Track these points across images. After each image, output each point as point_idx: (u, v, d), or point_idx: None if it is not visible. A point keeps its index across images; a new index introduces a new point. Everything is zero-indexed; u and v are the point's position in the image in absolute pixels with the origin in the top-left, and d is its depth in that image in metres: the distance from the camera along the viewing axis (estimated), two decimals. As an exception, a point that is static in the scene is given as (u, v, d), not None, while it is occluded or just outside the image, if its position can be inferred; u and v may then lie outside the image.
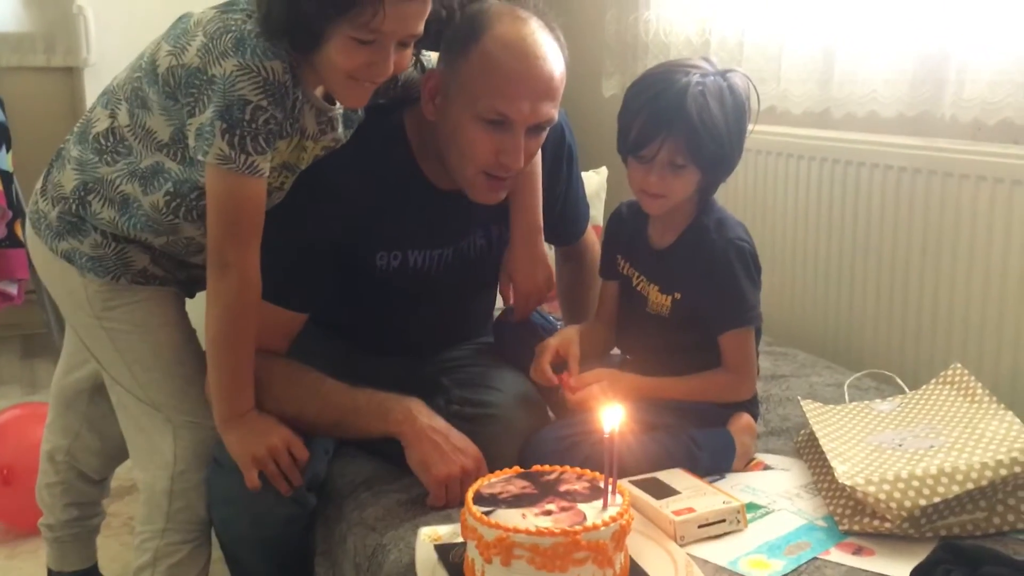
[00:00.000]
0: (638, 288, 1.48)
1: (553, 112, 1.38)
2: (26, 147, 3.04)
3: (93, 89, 2.91)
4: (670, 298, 1.43)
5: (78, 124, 1.46)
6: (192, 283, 1.52)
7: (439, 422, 1.36)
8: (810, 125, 2.17)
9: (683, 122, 1.32)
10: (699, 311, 1.40)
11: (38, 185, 1.50)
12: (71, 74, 3.26)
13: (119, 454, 1.64)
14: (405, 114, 1.47)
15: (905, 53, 1.90)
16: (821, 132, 2.11)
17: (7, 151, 2.78)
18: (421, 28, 1.28)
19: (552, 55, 1.36)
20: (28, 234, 1.50)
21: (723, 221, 1.42)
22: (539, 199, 1.52)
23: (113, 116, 1.38)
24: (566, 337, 1.48)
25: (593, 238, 1.78)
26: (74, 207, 1.41)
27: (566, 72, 1.40)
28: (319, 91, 1.36)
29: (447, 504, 1.32)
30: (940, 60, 1.82)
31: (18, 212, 2.77)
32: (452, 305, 1.59)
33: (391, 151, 1.44)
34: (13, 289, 2.79)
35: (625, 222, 1.51)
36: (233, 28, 1.26)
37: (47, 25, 3.25)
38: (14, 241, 2.73)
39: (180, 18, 1.35)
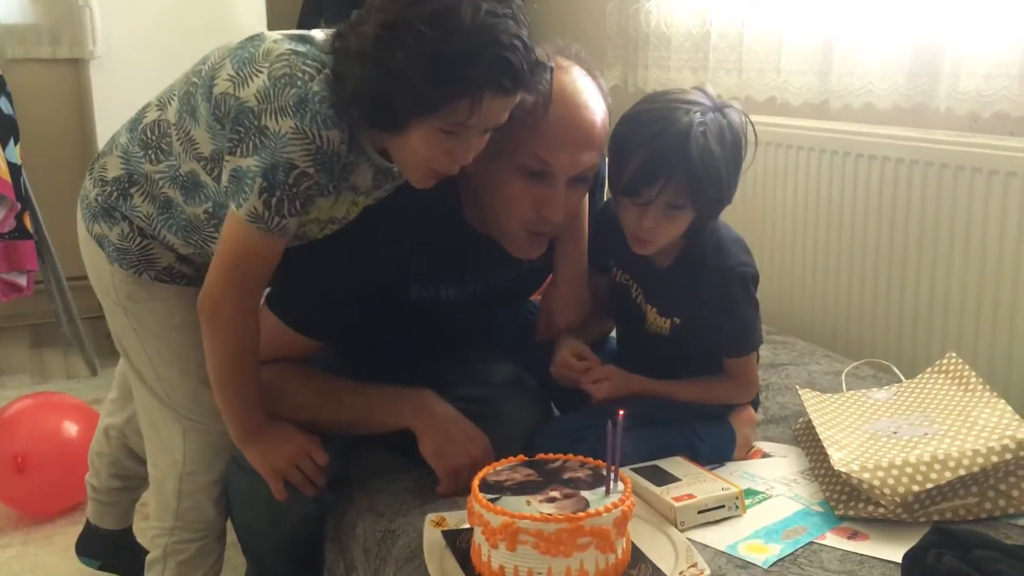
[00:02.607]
0: (636, 300, 1.45)
1: (595, 160, 1.33)
2: (32, 139, 3.06)
3: (99, 81, 2.94)
4: (669, 321, 1.41)
5: (138, 111, 1.43)
6: None
7: (449, 411, 1.38)
8: (809, 116, 2.19)
9: (685, 165, 1.25)
10: (699, 334, 1.39)
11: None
12: (77, 66, 3.28)
13: None
14: None
15: (901, 45, 1.92)
16: (820, 123, 2.13)
17: (15, 144, 2.80)
18: (506, 117, 1.23)
19: (594, 103, 1.31)
20: (78, 209, 1.49)
21: (721, 244, 1.37)
22: (585, 243, 1.48)
23: (162, 109, 1.35)
24: (572, 339, 1.47)
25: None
26: (113, 195, 1.39)
27: (607, 118, 1.34)
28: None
29: (456, 492, 1.35)
30: (935, 52, 1.83)
31: (27, 204, 2.79)
32: (475, 329, 1.58)
33: (435, 190, 1.34)
34: (22, 280, 2.82)
35: (617, 227, 1.40)
36: (299, 83, 1.19)
37: (53, 17, 3.26)
38: (23, 232, 2.76)
39: (252, 38, 1.28)
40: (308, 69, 1.21)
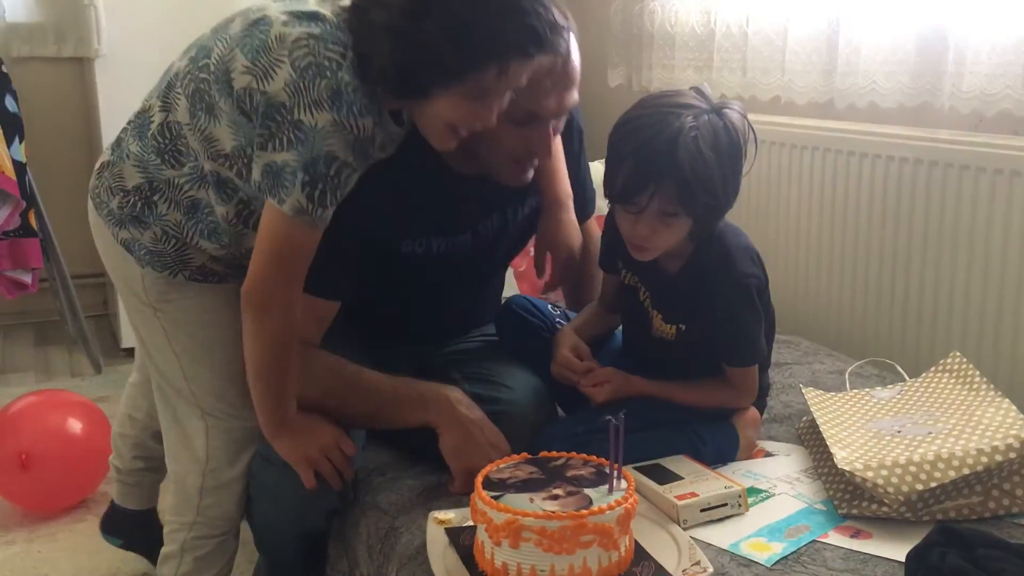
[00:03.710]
0: (644, 304, 1.45)
1: (575, 97, 1.38)
2: (38, 137, 3.07)
3: (104, 80, 2.94)
4: (674, 328, 1.41)
5: (135, 114, 1.41)
6: None
7: (477, 413, 1.38)
8: (814, 115, 2.19)
9: (674, 173, 1.23)
10: (703, 342, 1.39)
11: (96, 165, 1.46)
12: (82, 64, 3.29)
13: None
14: None
15: (905, 45, 1.92)
16: (824, 123, 2.13)
17: (20, 142, 2.81)
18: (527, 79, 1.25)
19: (567, 39, 1.34)
20: (89, 211, 1.47)
21: (728, 253, 1.35)
22: (565, 169, 1.55)
23: (168, 110, 1.33)
24: (574, 339, 1.48)
25: (595, 228, 1.80)
26: (138, 205, 1.37)
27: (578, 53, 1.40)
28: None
29: (468, 493, 1.35)
30: (939, 52, 1.83)
31: (31, 202, 2.80)
32: (471, 289, 1.62)
33: (411, 142, 1.41)
34: (27, 278, 2.82)
35: None
36: (328, 74, 1.19)
37: (58, 16, 3.27)
38: (28, 231, 2.76)
39: (256, 22, 1.26)
40: (333, 56, 1.20)
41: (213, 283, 1.44)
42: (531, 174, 1.45)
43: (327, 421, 1.37)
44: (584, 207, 1.71)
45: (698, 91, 1.31)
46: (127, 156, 1.38)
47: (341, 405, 1.40)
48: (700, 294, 1.36)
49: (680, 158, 1.23)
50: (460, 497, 1.33)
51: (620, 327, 1.58)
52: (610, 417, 1.13)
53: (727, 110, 1.29)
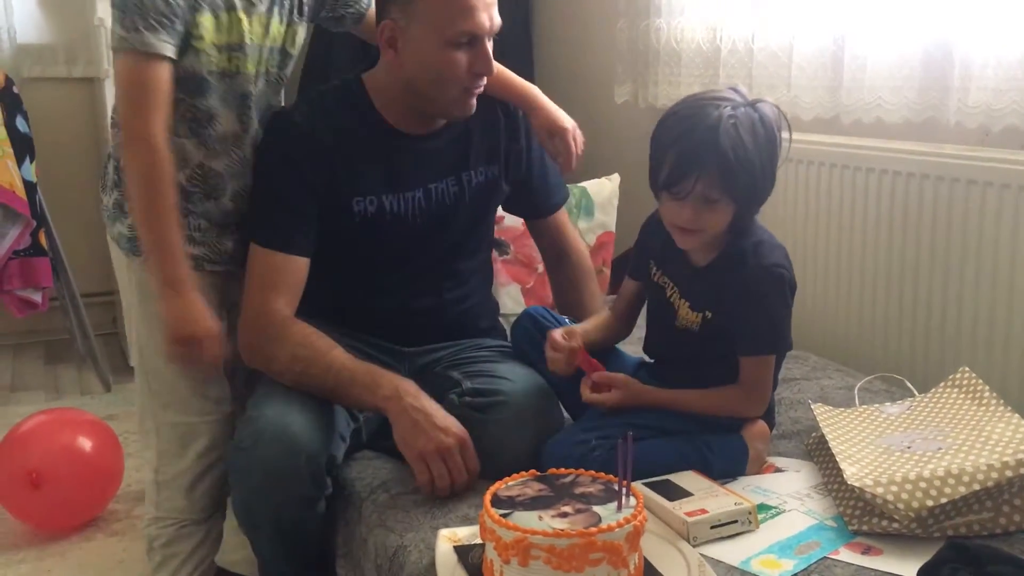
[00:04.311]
0: (671, 299, 1.48)
1: (499, 17, 1.53)
2: (48, 157, 3.10)
3: (114, 100, 2.97)
4: (700, 315, 1.43)
5: None
6: (237, 255, 1.59)
7: (424, 402, 1.42)
8: (820, 131, 2.19)
9: (717, 157, 1.31)
10: (727, 330, 1.41)
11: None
12: (92, 85, 3.32)
13: None
14: (363, 77, 1.61)
15: (910, 60, 1.92)
16: (831, 138, 2.13)
17: (31, 162, 2.83)
18: None
19: None
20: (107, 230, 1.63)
21: (762, 245, 1.40)
22: (512, 74, 1.68)
23: None
24: (568, 327, 1.53)
25: (578, 240, 1.83)
26: (116, 194, 1.52)
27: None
28: None
29: (435, 485, 1.38)
30: (945, 67, 1.83)
31: (42, 221, 2.82)
32: (442, 260, 1.67)
33: (354, 104, 1.59)
34: (38, 297, 2.84)
35: (660, 231, 1.47)
36: None
37: (68, 37, 3.31)
38: (38, 250, 2.79)
39: None
40: None
41: (197, 273, 1.52)
42: (474, 101, 1.57)
43: (211, 314, 1.46)
44: (550, 193, 1.79)
45: (735, 89, 1.39)
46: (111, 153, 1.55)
47: (303, 375, 1.48)
48: (731, 281, 1.39)
49: (721, 144, 1.30)
50: (468, 514, 1.33)
51: (641, 336, 1.60)
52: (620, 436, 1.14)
53: (761, 104, 1.37)
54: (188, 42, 1.43)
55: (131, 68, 1.39)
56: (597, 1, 2.96)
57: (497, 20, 1.52)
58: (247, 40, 1.48)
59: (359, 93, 1.60)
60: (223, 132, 1.53)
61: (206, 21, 1.42)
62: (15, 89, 2.88)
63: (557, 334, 1.49)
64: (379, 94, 1.59)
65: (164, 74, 1.40)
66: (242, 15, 1.47)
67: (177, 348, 1.44)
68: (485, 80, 1.55)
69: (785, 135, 1.40)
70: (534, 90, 1.69)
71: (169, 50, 1.39)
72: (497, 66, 1.59)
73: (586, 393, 1.46)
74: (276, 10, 1.53)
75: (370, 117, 1.59)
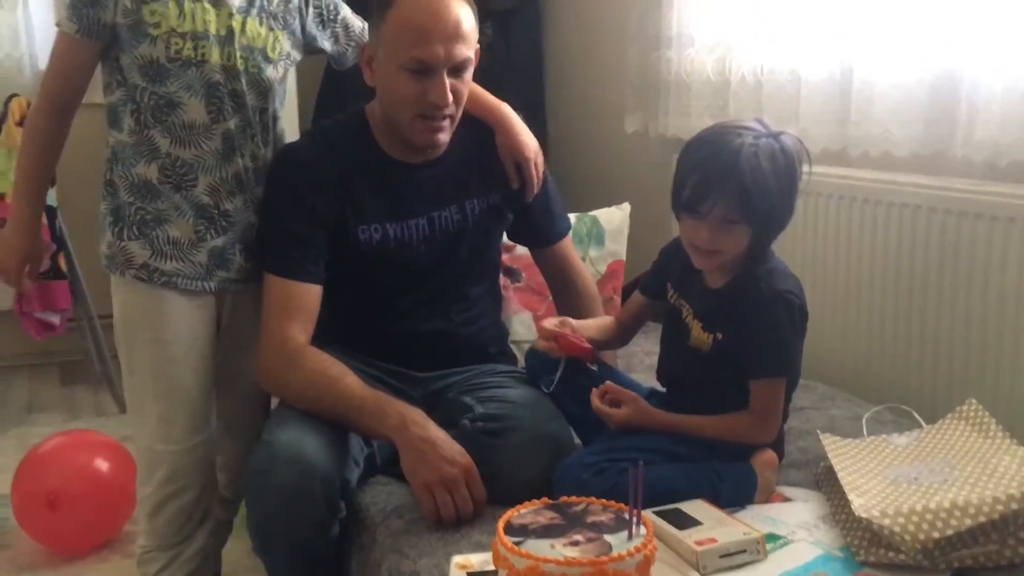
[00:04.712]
0: (684, 319, 1.52)
1: (467, 53, 1.55)
2: (68, 181, 3.13)
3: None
4: (711, 336, 1.46)
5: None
6: (218, 264, 1.63)
7: (431, 432, 1.44)
8: (829, 163, 2.21)
9: (736, 181, 1.36)
10: (738, 353, 1.43)
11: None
12: (111, 110, 3.36)
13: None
14: (366, 108, 1.67)
15: (917, 93, 1.94)
16: (839, 170, 2.15)
17: (52, 187, 2.88)
18: None
19: (455, 4, 1.53)
20: None
21: (775, 272, 1.45)
22: (490, 97, 1.72)
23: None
24: (562, 318, 1.61)
25: (582, 268, 1.87)
26: (108, 202, 1.64)
27: (476, 22, 1.57)
28: None
29: (440, 513, 1.40)
30: (951, 101, 1.85)
31: (61, 245, 2.87)
32: (450, 285, 1.70)
33: (356, 136, 1.65)
34: (56, 319, 2.89)
35: (681, 254, 1.52)
36: None
37: (90, 64, 3.36)
38: (57, 273, 2.83)
39: None
40: None
41: (175, 293, 1.61)
42: (444, 136, 1.60)
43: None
44: (553, 222, 1.83)
45: (759, 120, 1.44)
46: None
47: (316, 402, 1.51)
48: (743, 304, 1.43)
49: (741, 169, 1.35)
50: (481, 540, 1.35)
51: (653, 362, 1.63)
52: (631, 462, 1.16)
53: (783, 135, 1.42)
54: (144, 31, 1.52)
55: (61, 48, 1.57)
56: (608, 31, 3.00)
57: (461, 55, 1.54)
58: (211, 30, 1.55)
59: (361, 125, 1.66)
60: (188, 120, 1.57)
61: (165, 9, 1.51)
62: (38, 115, 2.92)
63: (547, 321, 1.56)
64: (376, 124, 1.65)
65: (89, 61, 1.57)
66: (208, 6, 1.54)
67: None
68: (447, 111, 1.56)
69: (805, 168, 1.44)
70: (504, 111, 1.73)
71: (73, 30, 1.53)
72: (473, 85, 1.63)
73: (595, 401, 1.49)
74: (255, 12, 1.59)
75: (371, 148, 1.65)
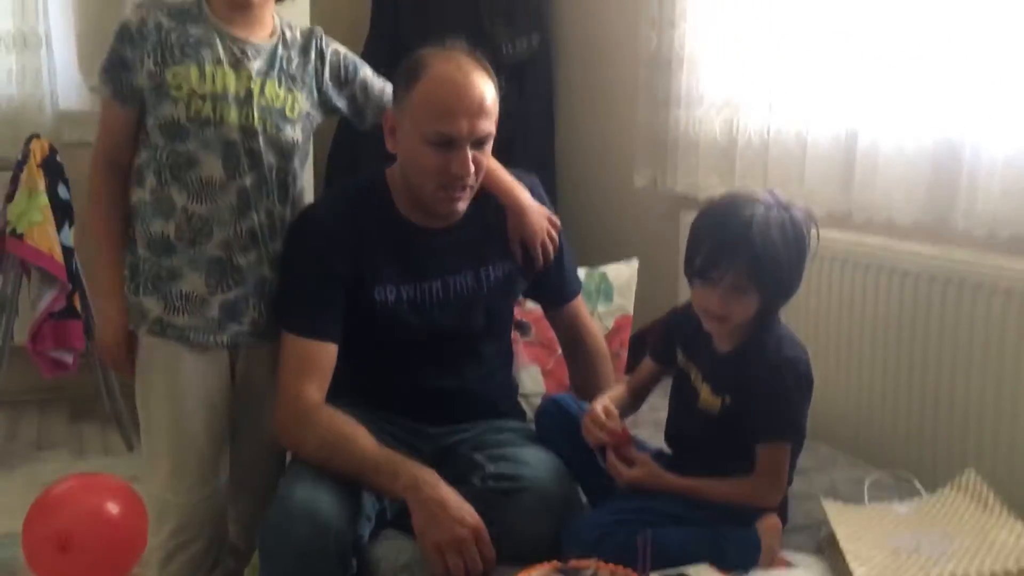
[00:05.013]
0: (693, 382, 1.56)
1: (490, 127, 1.61)
2: (85, 221, 3.18)
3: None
4: (720, 399, 1.50)
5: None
6: (231, 317, 1.67)
7: (442, 492, 1.47)
8: (833, 226, 2.25)
9: (747, 250, 1.41)
10: (745, 416, 1.47)
11: None
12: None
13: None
14: (386, 171, 1.72)
15: (920, 162, 1.97)
16: (844, 235, 2.16)
17: (70, 227, 2.93)
18: None
19: (479, 80, 1.59)
20: None
21: (783, 340, 1.49)
22: (510, 178, 1.76)
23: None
24: (606, 401, 1.60)
25: (593, 326, 1.91)
26: (126, 259, 1.68)
27: (496, 94, 1.62)
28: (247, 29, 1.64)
29: (451, 574, 1.42)
30: (953, 173, 1.89)
31: (77, 285, 2.91)
32: (463, 344, 1.73)
33: (375, 199, 1.70)
34: (68, 358, 2.91)
35: (691, 319, 1.56)
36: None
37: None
38: (72, 312, 2.87)
39: None
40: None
41: (171, 339, 1.65)
42: (463, 204, 1.64)
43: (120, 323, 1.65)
44: (566, 283, 1.87)
45: (771, 192, 1.50)
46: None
47: (330, 460, 1.54)
48: (751, 368, 1.47)
49: (753, 238, 1.41)
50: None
51: (662, 420, 1.66)
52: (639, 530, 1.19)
53: (794, 208, 1.47)
54: (166, 93, 1.59)
55: (103, 113, 1.66)
56: (619, 87, 3.06)
57: (484, 129, 1.59)
58: (230, 91, 1.60)
59: (380, 188, 1.70)
60: (205, 176, 1.62)
61: (187, 72, 1.58)
62: (58, 158, 2.98)
63: (599, 408, 1.56)
64: (396, 189, 1.70)
65: (113, 117, 1.64)
66: (228, 69, 1.60)
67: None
68: (467, 182, 1.61)
69: (814, 237, 1.49)
70: (516, 194, 1.76)
71: (108, 93, 1.62)
72: (492, 161, 1.69)
73: (611, 457, 1.53)
74: (275, 73, 1.65)
75: (390, 212, 1.69)
